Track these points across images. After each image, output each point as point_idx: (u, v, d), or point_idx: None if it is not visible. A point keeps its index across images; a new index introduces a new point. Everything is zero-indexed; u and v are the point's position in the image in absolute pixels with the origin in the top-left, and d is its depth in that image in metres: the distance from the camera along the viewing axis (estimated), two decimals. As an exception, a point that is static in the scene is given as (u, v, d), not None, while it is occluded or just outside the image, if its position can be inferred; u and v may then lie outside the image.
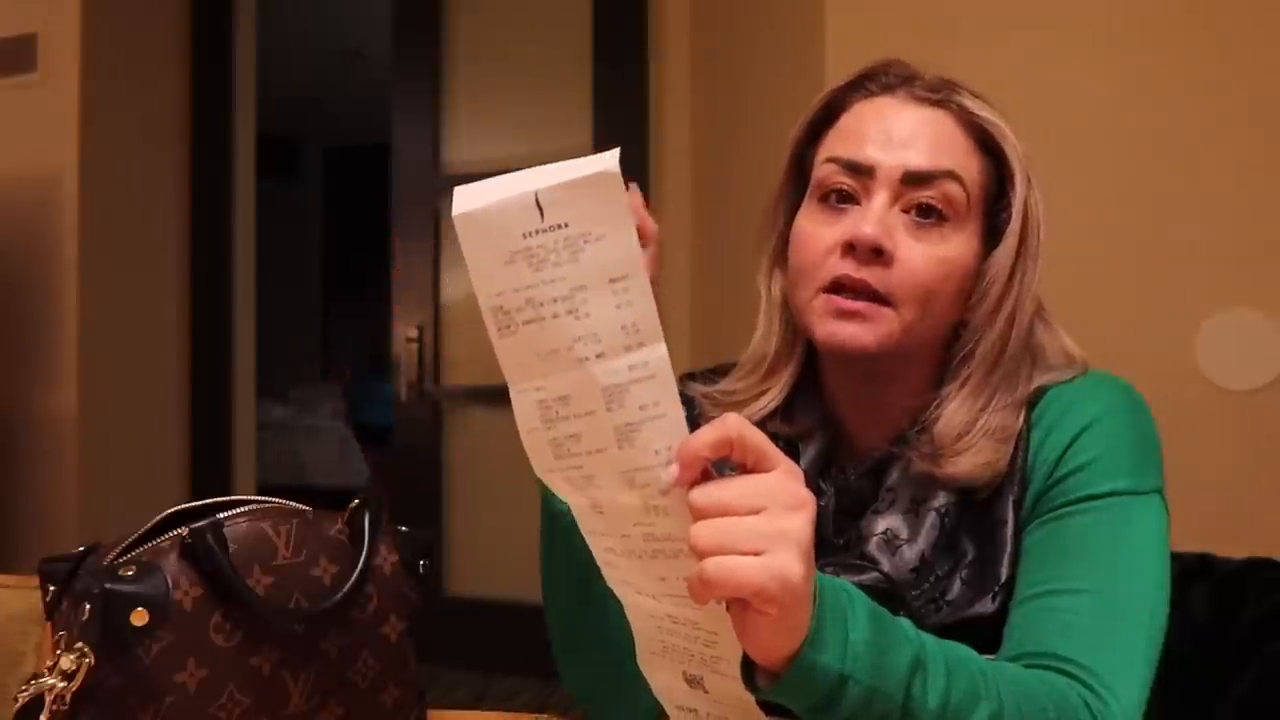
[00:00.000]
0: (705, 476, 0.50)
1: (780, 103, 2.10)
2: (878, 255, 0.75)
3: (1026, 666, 0.66)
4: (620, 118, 2.81)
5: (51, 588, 0.67)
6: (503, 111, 3.07)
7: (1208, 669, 0.92)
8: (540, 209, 0.48)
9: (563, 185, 0.47)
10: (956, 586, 0.75)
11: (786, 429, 0.85)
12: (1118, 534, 0.72)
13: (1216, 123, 1.67)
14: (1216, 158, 1.67)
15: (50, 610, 0.67)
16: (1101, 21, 1.74)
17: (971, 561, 0.76)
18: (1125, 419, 0.76)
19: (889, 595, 0.73)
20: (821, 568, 0.66)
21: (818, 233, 0.79)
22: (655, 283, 0.51)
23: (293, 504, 0.75)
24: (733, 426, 0.50)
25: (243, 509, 0.71)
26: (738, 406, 0.85)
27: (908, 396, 0.80)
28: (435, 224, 3.07)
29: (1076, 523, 0.73)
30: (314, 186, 7.41)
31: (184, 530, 0.68)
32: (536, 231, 0.48)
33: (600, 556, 0.57)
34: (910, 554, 0.76)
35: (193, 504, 0.71)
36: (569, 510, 0.71)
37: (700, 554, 0.49)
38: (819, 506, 0.54)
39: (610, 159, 0.47)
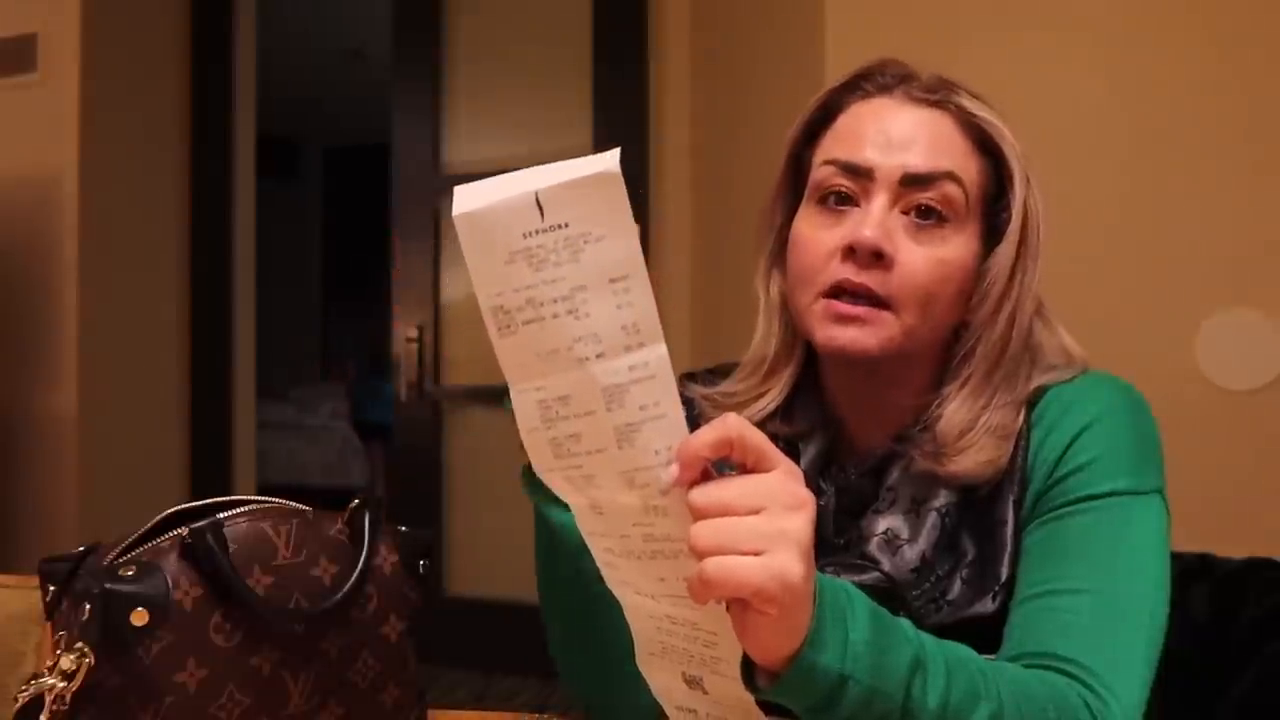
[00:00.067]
0: (705, 476, 0.50)
1: (780, 103, 2.10)
2: (878, 259, 0.75)
3: (1026, 666, 0.66)
4: (620, 118, 2.81)
5: (51, 588, 0.67)
6: (503, 111, 3.07)
7: (1208, 669, 0.92)
8: (540, 209, 0.48)
9: (563, 185, 0.47)
10: (957, 586, 0.75)
11: (786, 429, 0.85)
12: (1118, 534, 0.72)
13: (1216, 123, 1.67)
14: (1216, 158, 1.67)
15: (50, 610, 0.67)
16: (1101, 21, 1.74)
17: (972, 561, 0.76)
18: (1125, 419, 0.76)
19: (889, 595, 0.73)
20: (822, 567, 0.66)
21: (817, 236, 0.79)
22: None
23: (293, 504, 0.75)
24: (733, 426, 0.50)
25: (243, 509, 0.71)
26: (738, 408, 0.85)
27: (908, 396, 0.80)
28: (435, 224, 3.07)
29: (1076, 523, 0.73)
30: (314, 186, 7.42)
31: (184, 530, 0.68)
32: (537, 231, 0.48)
33: (599, 557, 0.57)
34: (911, 554, 0.76)
35: (193, 504, 0.71)
36: (564, 524, 0.71)
37: (700, 554, 0.49)
38: (819, 506, 0.54)
39: (610, 159, 0.47)
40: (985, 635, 0.70)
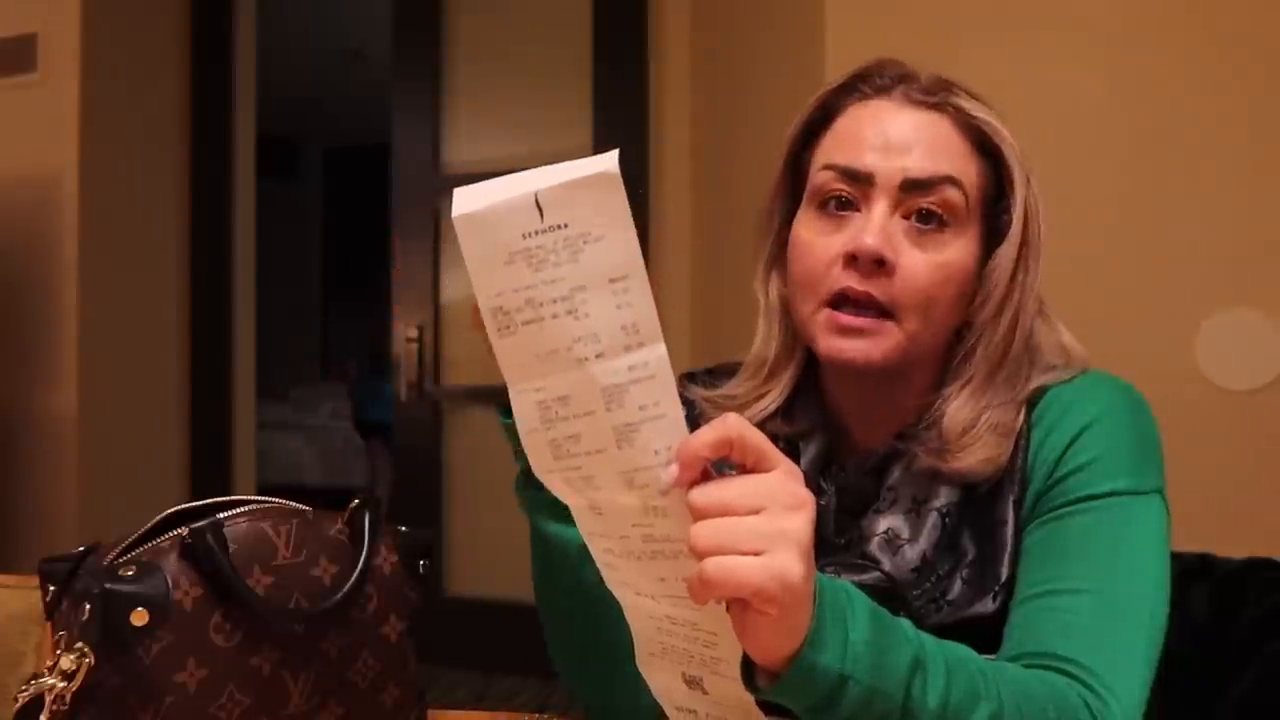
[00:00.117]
0: (705, 477, 0.50)
1: (780, 103, 2.10)
2: (880, 266, 0.75)
3: (1026, 666, 0.66)
4: (620, 118, 2.81)
5: (51, 588, 0.67)
6: (503, 111, 3.07)
7: (1208, 669, 0.92)
8: (540, 209, 0.48)
9: (563, 185, 0.47)
10: (957, 586, 0.75)
11: (787, 429, 0.85)
12: (1118, 534, 0.72)
13: (1216, 123, 1.67)
14: (1216, 158, 1.67)
15: (50, 610, 0.67)
16: (1101, 21, 1.74)
17: (972, 561, 0.76)
18: (1125, 419, 0.76)
19: (890, 595, 0.73)
20: (822, 567, 0.66)
21: (818, 242, 0.78)
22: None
23: (293, 504, 0.75)
24: (732, 426, 0.50)
25: (243, 509, 0.71)
26: (739, 409, 0.85)
27: (910, 396, 0.81)
28: (435, 224, 3.07)
29: (1076, 523, 0.73)
30: (314, 186, 7.42)
31: (184, 530, 0.68)
32: (536, 232, 0.48)
33: (599, 558, 0.57)
34: (912, 554, 0.76)
35: (193, 504, 0.71)
36: (562, 537, 0.71)
37: (700, 554, 0.48)
38: (819, 506, 0.54)
39: (610, 160, 0.47)
40: (985, 635, 0.70)
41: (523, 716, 0.88)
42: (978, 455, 0.75)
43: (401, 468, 3.28)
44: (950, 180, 0.77)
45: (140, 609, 0.64)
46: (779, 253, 0.85)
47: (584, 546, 0.57)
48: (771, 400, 0.85)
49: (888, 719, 0.55)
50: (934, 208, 0.77)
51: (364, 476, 5.66)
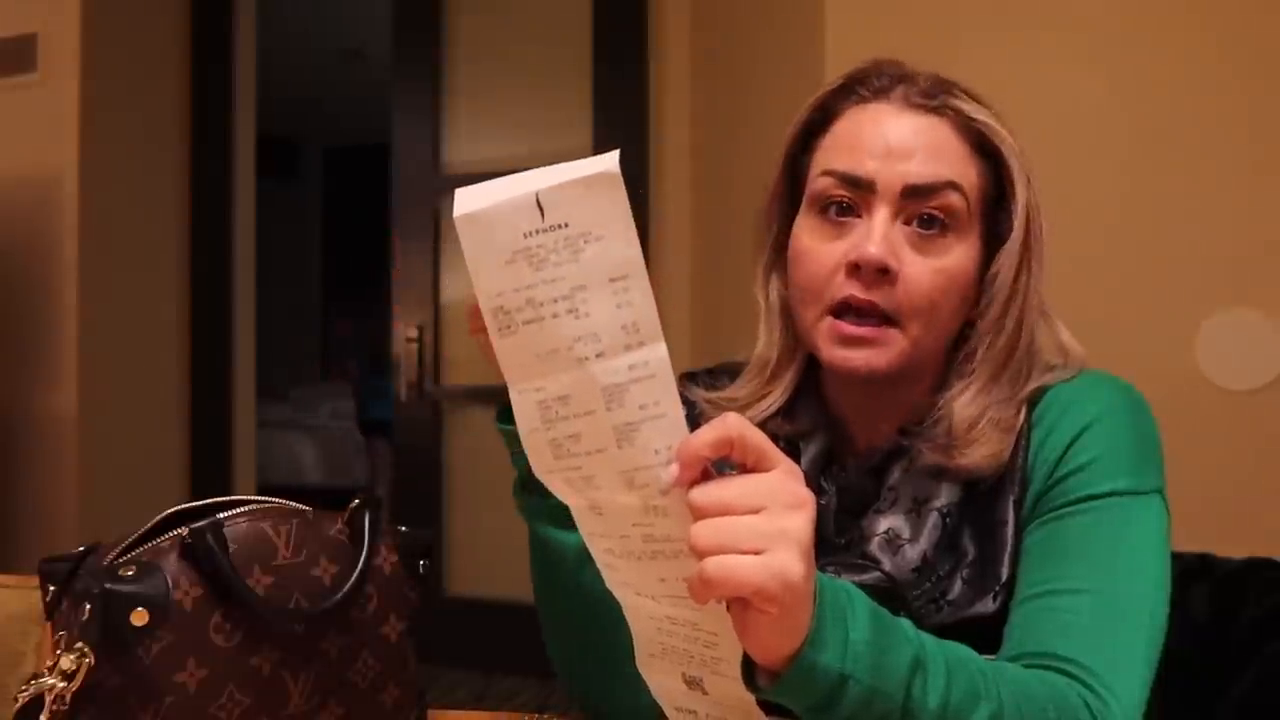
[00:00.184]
0: (705, 476, 0.50)
1: (780, 103, 2.10)
2: (883, 274, 0.75)
3: (1026, 666, 0.66)
4: (620, 118, 2.81)
5: (51, 588, 0.67)
6: (503, 111, 3.07)
7: (1208, 669, 0.92)
8: (541, 209, 0.48)
9: (563, 185, 0.47)
10: (957, 586, 0.75)
11: (788, 428, 0.85)
12: (1118, 534, 0.72)
13: (1216, 123, 1.67)
14: (1216, 158, 1.67)
15: (50, 610, 0.67)
16: (1101, 21, 1.74)
17: (972, 561, 0.76)
18: (1125, 419, 0.76)
19: (890, 595, 0.73)
20: (823, 567, 0.66)
21: (819, 249, 0.78)
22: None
23: (293, 504, 0.75)
24: (733, 426, 0.50)
25: (243, 509, 0.71)
26: (741, 410, 0.85)
27: (911, 397, 0.81)
28: (435, 224, 3.07)
29: (1077, 523, 0.73)
30: (314, 186, 7.41)
31: (184, 530, 0.68)
32: (537, 231, 0.48)
33: (599, 558, 0.57)
34: (912, 554, 0.76)
35: (193, 504, 0.71)
36: (561, 541, 0.71)
37: (700, 553, 0.48)
38: (820, 505, 0.54)
39: (610, 160, 0.47)
40: (986, 635, 0.70)
41: (523, 716, 0.88)
42: (982, 451, 0.75)
43: (401, 468, 3.28)
44: (951, 185, 0.76)
45: (140, 609, 0.64)
46: (778, 256, 0.85)
47: (583, 549, 0.57)
48: (773, 401, 0.85)
49: (888, 719, 0.55)
50: (935, 213, 0.76)
51: (364, 476, 5.66)
